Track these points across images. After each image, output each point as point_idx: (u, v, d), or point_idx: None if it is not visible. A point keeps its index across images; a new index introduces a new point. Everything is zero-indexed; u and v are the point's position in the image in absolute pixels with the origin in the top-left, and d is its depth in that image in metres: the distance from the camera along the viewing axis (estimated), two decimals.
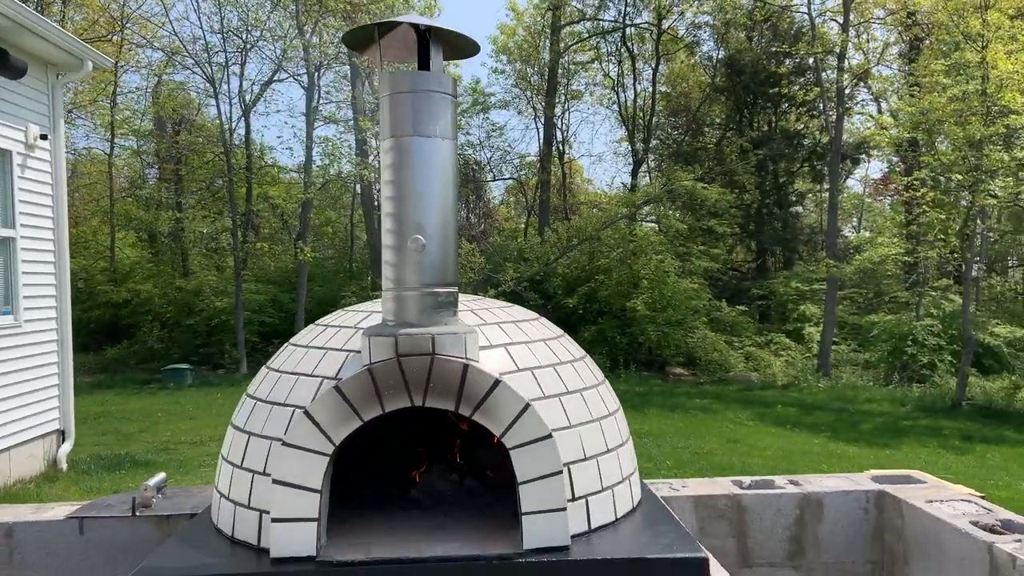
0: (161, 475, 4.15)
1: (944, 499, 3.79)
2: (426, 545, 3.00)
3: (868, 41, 23.85)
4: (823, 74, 20.94)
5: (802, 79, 22.45)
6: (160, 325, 20.60)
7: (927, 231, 18.62)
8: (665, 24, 23.17)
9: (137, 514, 3.87)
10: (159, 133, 23.60)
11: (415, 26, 3.11)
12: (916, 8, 20.11)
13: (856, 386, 18.54)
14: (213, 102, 20.39)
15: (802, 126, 23.11)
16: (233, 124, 20.46)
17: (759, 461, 10.17)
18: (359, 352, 3.14)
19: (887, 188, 30.30)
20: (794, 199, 23.87)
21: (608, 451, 3.29)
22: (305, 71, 20.67)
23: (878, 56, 21.55)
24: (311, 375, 3.19)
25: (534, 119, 25.54)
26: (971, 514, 3.55)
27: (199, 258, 24.17)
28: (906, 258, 18.43)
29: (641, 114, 23.71)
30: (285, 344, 3.70)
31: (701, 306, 19.64)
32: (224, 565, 2.90)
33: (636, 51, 23.44)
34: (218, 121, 20.45)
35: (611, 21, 24.09)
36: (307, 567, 2.85)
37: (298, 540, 2.89)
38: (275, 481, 2.90)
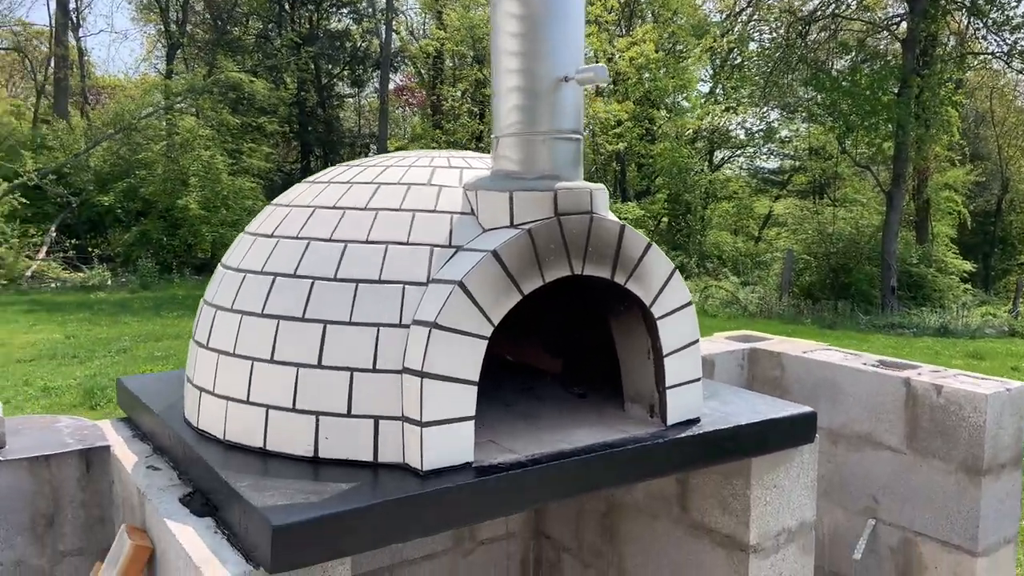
0: None
1: (812, 349, 4.43)
2: (555, 436, 2.58)
3: None
4: None
5: None
6: None
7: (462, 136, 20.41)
8: None
9: None
10: None
11: None
12: None
13: None
14: None
15: (344, 28, 22.99)
16: None
17: None
18: (441, 212, 2.50)
19: (400, 98, 32.23)
20: (336, 103, 23.79)
21: None
22: None
23: None
24: (366, 241, 2.44)
25: None
26: (848, 358, 4.23)
27: None
28: None
29: None
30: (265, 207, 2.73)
31: (257, 207, 18.77)
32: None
33: None
34: None
35: None
36: (465, 477, 2.23)
37: (456, 444, 2.25)
38: (426, 375, 2.19)
